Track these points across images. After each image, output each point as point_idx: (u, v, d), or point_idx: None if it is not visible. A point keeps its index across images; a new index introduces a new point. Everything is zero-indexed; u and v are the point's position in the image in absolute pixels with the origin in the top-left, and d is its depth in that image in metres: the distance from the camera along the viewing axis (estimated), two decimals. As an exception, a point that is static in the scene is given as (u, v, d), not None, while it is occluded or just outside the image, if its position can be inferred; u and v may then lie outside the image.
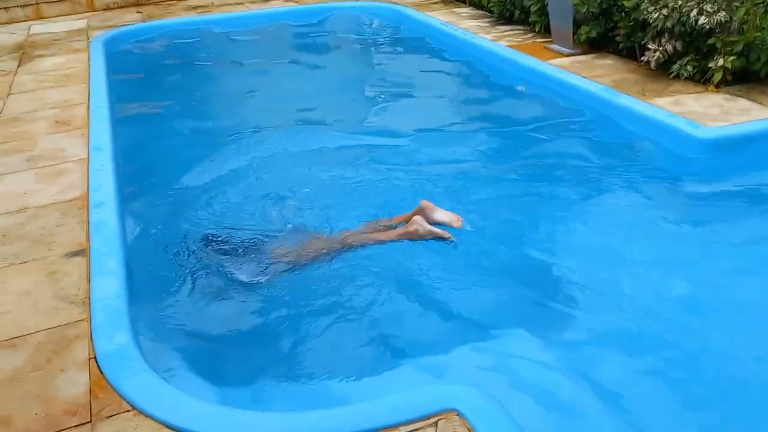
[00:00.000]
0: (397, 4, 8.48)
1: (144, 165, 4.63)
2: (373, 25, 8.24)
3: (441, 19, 7.62)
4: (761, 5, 4.62)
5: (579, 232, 3.77)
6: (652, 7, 5.01)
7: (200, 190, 4.19)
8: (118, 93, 5.79)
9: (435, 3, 8.49)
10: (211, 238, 3.48)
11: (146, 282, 3.17)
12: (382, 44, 7.80)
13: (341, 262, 3.36)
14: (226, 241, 3.46)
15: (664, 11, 4.93)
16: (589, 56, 5.92)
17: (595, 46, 6.05)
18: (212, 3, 9.14)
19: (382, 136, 5.15)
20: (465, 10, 7.99)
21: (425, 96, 6.01)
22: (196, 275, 3.27)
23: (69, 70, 6.35)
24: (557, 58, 5.92)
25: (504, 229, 3.81)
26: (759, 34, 4.56)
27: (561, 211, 3.95)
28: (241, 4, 9.06)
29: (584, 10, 5.73)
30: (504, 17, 7.28)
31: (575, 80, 5.22)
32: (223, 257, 3.34)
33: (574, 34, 5.95)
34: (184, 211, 3.89)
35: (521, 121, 5.19)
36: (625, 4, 5.42)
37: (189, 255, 3.42)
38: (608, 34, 5.91)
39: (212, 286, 3.16)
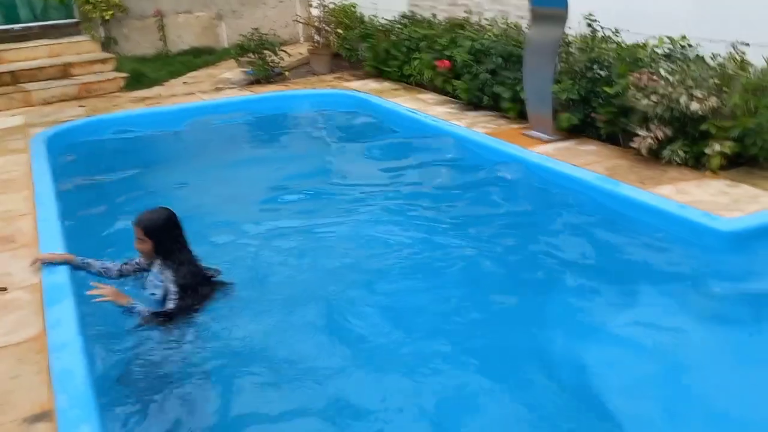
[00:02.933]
0: (358, 91, 8.29)
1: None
2: (334, 114, 7.95)
3: (407, 105, 7.43)
4: (753, 92, 4.57)
5: (586, 343, 3.38)
6: (640, 94, 4.91)
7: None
8: (67, 200, 5.17)
9: (396, 89, 8.34)
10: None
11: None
12: (345, 134, 7.46)
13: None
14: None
15: (653, 98, 4.83)
16: (571, 142, 5.78)
17: (574, 131, 5.93)
18: (160, 94, 8.71)
19: (349, 233, 4.72)
20: (429, 96, 7.85)
21: (399, 189, 5.54)
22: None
23: (7, 174, 5.71)
24: (538, 144, 5.75)
25: (496, 343, 3.42)
26: (756, 119, 4.47)
27: (564, 319, 3.59)
28: (192, 94, 8.67)
29: (564, 97, 5.62)
30: (472, 103, 7.15)
31: (569, 169, 5.01)
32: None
33: (553, 120, 5.81)
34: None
35: (511, 215, 4.87)
36: (607, 90, 5.33)
37: (173, 406, 2.84)
38: (587, 120, 5.81)
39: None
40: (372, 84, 8.74)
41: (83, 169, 6.28)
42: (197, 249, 3.80)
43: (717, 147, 4.61)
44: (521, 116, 6.40)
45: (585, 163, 5.18)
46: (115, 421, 2.72)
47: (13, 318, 3.37)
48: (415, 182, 5.62)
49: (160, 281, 3.49)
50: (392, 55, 8.59)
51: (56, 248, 4.10)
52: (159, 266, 3.54)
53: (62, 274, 3.74)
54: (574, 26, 6.11)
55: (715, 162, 4.65)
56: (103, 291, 3.31)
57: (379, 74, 9.03)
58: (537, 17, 5.79)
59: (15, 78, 8.47)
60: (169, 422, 2.77)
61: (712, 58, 4.96)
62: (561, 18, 5.57)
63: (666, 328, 3.47)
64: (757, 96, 4.53)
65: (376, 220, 4.90)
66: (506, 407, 2.96)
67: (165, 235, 3.47)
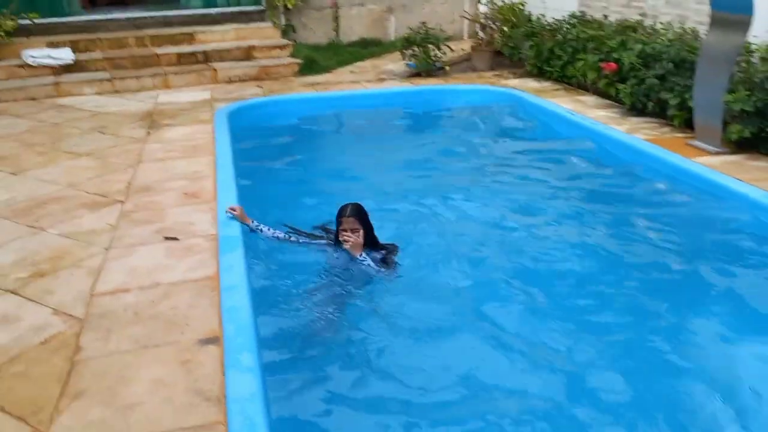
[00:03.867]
0: (517, 89, 8.32)
1: (271, 245, 4.46)
2: (489, 110, 8.05)
3: (566, 106, 7.36)
4: None
5: (741, 367, 3.23)
6: (825, 109, 4.55)
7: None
8: (242, 166, 5.78)
9: (556, 90, 8.28)
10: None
11: (281, 380, 2.92)
12: (500, 130, 7.53)
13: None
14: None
15: (841, 114, 4.46)
16: (739, 156, 5.46)
17: (744, 145, 5.58)
18: (328, 81, 9.30)
19: (499, 228, 4.81)
20: (590, 99, 7.71)
21: (553, 190, 5.52)
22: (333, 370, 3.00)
23: (195, 140, 6.46)
24: (703, 156, 5.49)
25: (643, 352, 3.36)
26: None
27: (716, 338, 3.45)
28: (357, 83, 9.16)
29: (738, 108, 5.32)
30: (635, 109, 6.94)
31: (735, 184, 4.75)
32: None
33: (722, 132, 5.52)
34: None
35: (666, 226, 4.68)
36: (788, 103, 4.98)
37: (325, 349, 3.18)
38: (760, 134, 5.44)
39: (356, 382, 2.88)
40: (531, 83, 8.73)
41: (257, 141, 6.95)
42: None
43: None
44: (687, 125, 6.13)
45: (753, 179, 4.89)
46: (271, 351, 3.09)
47: (195, 259, 3.89)
48: (567, 185, 5.58)
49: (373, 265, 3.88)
50: (556, 54, 8.52)
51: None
52: (365, 255, 3.89)
53: (235, 228, 4.24)
54: (761, 34, 5.74)
55: None
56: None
57: (540, 74, 8.99)
58: (717, 22, 5.51)
59: (207, 57, 9.47)
60: (317, 363, 3.10)
61: None
62: (744, 24, 5.27)
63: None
64: None
65: (523, 219, 4.96)
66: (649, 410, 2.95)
67: (370, 224, 3.93)
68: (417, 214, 5.05)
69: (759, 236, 4.36)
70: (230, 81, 9.26)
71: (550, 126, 7.19)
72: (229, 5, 10.60)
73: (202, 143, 6.36)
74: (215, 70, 9.25)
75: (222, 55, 9.56)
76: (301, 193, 5.65)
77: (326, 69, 9.88)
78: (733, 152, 5.52)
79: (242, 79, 9.33)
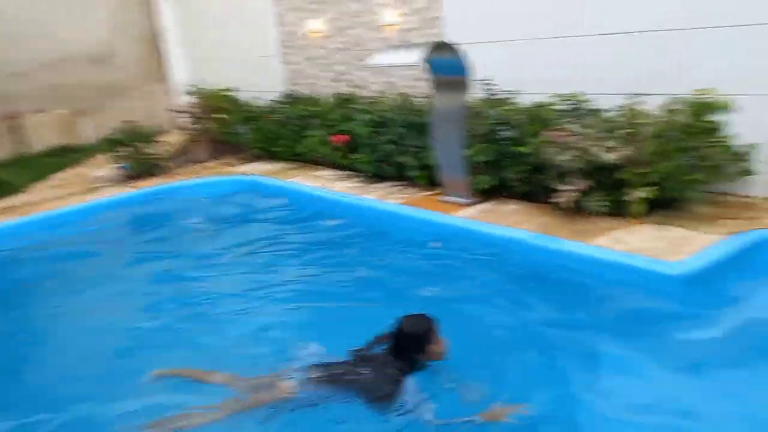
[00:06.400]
0: (252, 175, 7.93)
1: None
2: (234, 199, 7.46)
3: (308, 184, 7.17)
4: (662, 138, 4.81)
5: (554, 405, 3.21)
6: (556, 150, 5.02)
7: None
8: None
9: (291, 169, 8.09)
10: None
11: None
12: (243, 220, 6.95)
13: None
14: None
15: (570, 153, 4.95)
16: (490, 203, 5.79)
17: (488, 192, 5.95)
18: (29, 201, 7.78)
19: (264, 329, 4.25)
20: (328, 173, 7.66)
21: (323, 271, 5.13)
22: None
23: None
24: (459, 209, 5.71)
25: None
26: (671, 163, 4.70)
27: (539, 380, 3.41)
28: (65, 198, 7.82)
29: (480, 159, 5.65)
30: (376, 176, 7.04)
31: (503, 231, 4.96)
32: None
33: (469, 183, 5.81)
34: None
35: (451, 288, 4.62)
36: (521, 150, 5.42)
37: None
38: (500, 180, 5.86)
39: None
40: (264, 166, 8.43)
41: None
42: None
43: (642, 194, 4.78)
44: (431, 183, 6.37)
45: (513, 222, 5.17)
46: None
47: None
48: (338, 263, 5.25)
49: None
50: (280, 135, 8.37)
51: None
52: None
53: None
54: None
55: (639, 208, 4.81)
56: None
57: (269, 156, 8.75)
58: (440, 85, 5.85)
59: None
60: None
61: (619, 110, 5.17)
62: (462, 84, 5.66)
63: (641, 378, 3.39)
64: (667, 142, 4.78)
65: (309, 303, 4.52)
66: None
67: None
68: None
69: (534, 274, 4.55)
70: None
71: (300, 206, 6.91)
72: None
73: None
74: None
75: None
76: (32, 347, 4.41)
77: (18, 189, 8.30)
78: (482, 200, 5.84)
79: None
